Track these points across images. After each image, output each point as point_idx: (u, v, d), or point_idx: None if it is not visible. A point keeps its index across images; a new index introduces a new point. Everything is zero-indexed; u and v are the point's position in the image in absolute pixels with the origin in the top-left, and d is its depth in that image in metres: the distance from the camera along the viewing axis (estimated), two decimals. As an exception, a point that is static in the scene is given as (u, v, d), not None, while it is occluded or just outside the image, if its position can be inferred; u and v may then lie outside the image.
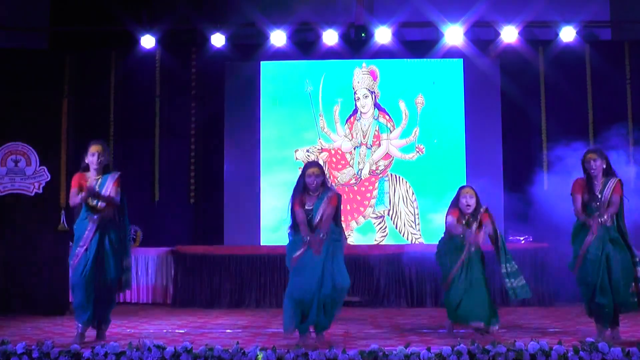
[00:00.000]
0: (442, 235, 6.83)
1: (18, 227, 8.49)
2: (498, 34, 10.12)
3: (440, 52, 10.25)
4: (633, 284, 6.09)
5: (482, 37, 10.34)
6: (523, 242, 9.62)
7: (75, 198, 6.20)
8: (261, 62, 10.57)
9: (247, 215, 10.33)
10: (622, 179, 6.36)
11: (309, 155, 10.49)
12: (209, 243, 10.09)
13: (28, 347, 4.75)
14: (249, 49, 10.46)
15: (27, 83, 8.66)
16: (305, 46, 10.43)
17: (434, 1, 10.08)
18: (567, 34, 10.06)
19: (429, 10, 10.01)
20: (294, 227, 6.12)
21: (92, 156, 6.21)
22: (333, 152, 10.48)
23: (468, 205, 6.53)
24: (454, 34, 10.06)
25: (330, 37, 10.13)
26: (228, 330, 6.92)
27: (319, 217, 6.03)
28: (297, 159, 10.35)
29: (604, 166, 6.31)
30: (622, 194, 6.25)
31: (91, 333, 6.22)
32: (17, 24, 10.44)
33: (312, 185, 6.10)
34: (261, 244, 10.19)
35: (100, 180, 6.24)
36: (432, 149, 10.39)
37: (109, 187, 6.20)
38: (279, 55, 10.37)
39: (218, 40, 10.23)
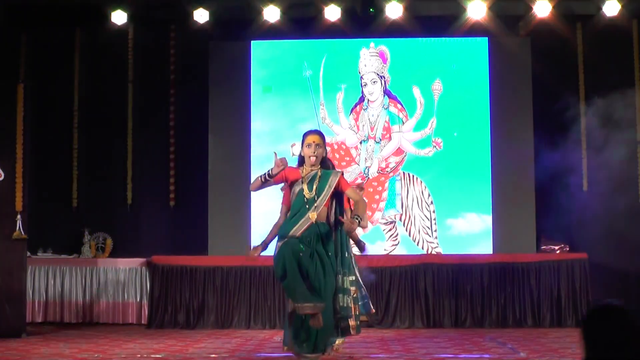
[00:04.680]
0: None
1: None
2: (529, 9, 9.87)
3: (462, 29, 10.06)
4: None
5: (510, 12, 10.13)
6: (558, 252, 9.58)
7: None
8: (252, 42, 10.32)
9: (236, 220, 10.14)
10: None
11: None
12: (190, 253, 9.96)
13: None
14: (238, 26, 10.30)
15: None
16: (303, 23, 10.22)
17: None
18: (611, 7, 9.77)
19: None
20: None
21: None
22: (336, 147, 10.21)
23: None
24: (477, 9, 9.82)
25: (332, 12, 9.86)
26: (213, 356, 6.84)
27: None
28: (293, 154, 9.89)
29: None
30: None
31: None
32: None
33: None
34: (251, 254, 10.07)
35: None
36: (451, 144, 10.15)
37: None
38: (272, 33, 10.16)
39: (201, 15, 9.99)
